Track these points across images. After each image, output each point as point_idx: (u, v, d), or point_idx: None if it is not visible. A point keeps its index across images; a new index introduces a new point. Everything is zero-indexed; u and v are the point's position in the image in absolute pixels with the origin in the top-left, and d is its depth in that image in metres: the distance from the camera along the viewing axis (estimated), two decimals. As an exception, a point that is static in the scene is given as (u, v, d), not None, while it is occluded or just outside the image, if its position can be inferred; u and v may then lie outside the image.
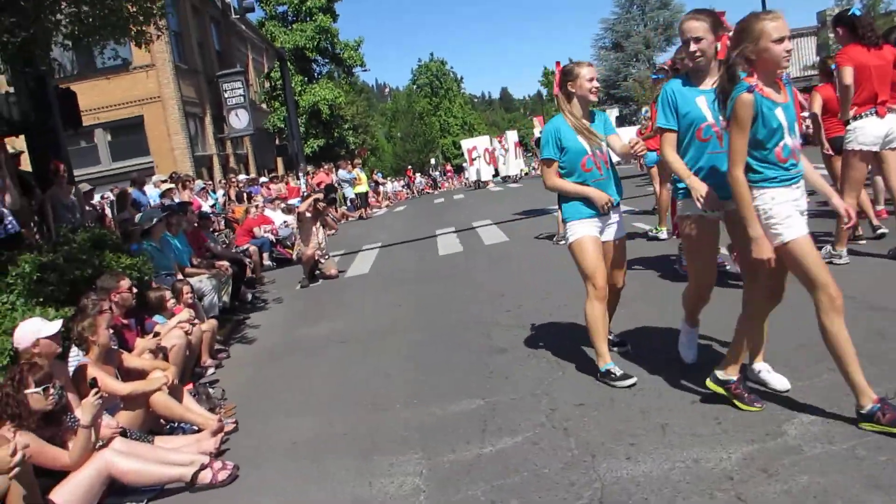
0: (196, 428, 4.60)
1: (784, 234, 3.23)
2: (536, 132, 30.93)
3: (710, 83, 3.68)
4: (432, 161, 59.23)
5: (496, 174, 31.56)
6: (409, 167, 49.82)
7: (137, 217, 8.75)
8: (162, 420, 4.76)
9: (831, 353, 3.23)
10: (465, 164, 34.95)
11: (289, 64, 30.01)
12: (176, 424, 4.77)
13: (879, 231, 6.51)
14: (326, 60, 39.35)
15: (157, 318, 6.13)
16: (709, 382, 3.68)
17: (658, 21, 64.92)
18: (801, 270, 3.22)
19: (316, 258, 10.29)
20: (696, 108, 3.72)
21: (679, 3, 64.64)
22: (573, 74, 4.22)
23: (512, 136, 32.13)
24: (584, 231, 4.27)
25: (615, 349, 4.63)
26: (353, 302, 8.45)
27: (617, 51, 65.44)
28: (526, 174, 31.78)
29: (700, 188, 3.62)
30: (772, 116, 3.21)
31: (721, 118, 3.52)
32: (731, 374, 3.62)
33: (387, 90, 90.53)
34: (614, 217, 4.37)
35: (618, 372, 4.19)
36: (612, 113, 43.81)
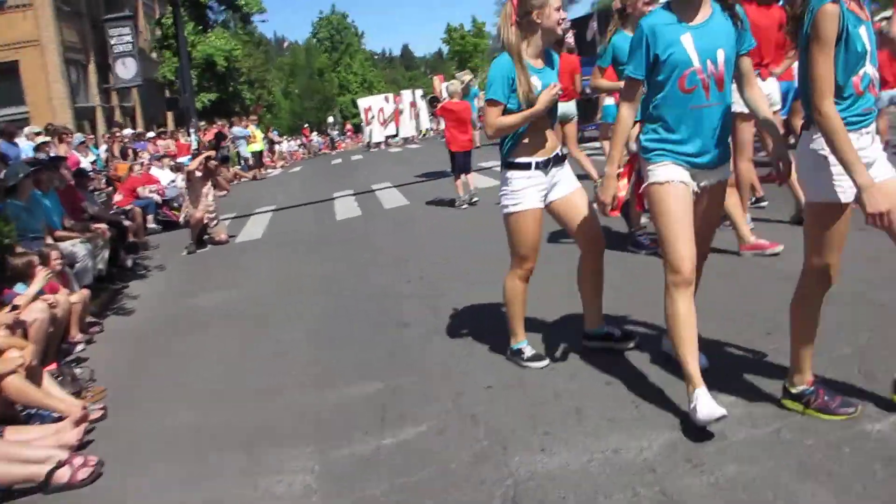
0: (57, 415, 4.05)
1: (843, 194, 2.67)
2: (441, 90, 30.42)
3: (702, 16, 3.03)
4: (330, 119, 57.82)
5: (395, 135, 30.95)
6: (307, 126, 48.38)
7: (2, 172, 7.85)
8: (17, 406, 4.17)
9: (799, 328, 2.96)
10: (362, 124, 34.05)
11: (182, 9, 28.28)
12: (34, 411, 4.20)
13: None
14: (223, 7, 37.36)
15: (18, 287, 5.43)
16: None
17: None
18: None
19: (205, 221, 9.63)
20: (680, 50, 2.99)
21: None
22: (539, 2, 3.42)
23: (407, 95, 31.27)
24: (529, 202, 3.65)
25: (620, 345, 3.91)
26: (245, 270, 7.91)
27: (520, 10, 65.50)
28: (423, 136, 31.19)
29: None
30: (857, 36, 2.58)
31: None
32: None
33: (286, 44, 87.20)
34: (558, 171, 3.74)
35: (529, 352, 3.90)
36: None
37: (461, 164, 10.00)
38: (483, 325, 4.60)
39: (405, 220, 9.43)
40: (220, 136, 12.02)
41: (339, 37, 70.65)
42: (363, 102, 31.83)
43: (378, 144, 29.27)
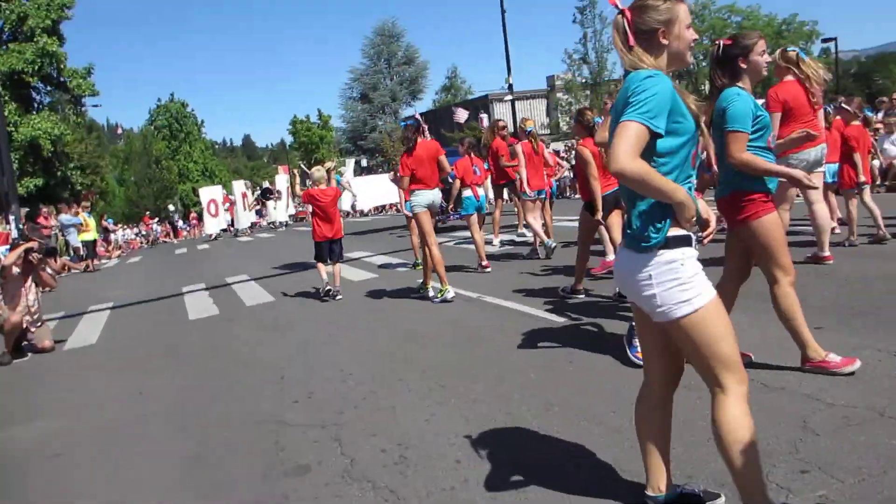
0: None
1: None
2: (279, 182, 29.58)
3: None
4: (171, 207, 54.94)
5: (231, 225, 29.71)
6: (147, 213, 45.52)
7: None
8: None
9: None
10: (204, 213, 32.35)
11: (1, 88, 25.76)
12: None
13: None
14: (50, 88, 34.68)
15: None
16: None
17: (404, 76, 66.90)
18: None
19: (24, 326, 7.95)
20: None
21: (423, 61, 67.50)
22: (665, 16, 2.54)
23: (238, 186, 30.11)
24: (710, 287, 2.51)
25: None
26: (76, 388, 6.36)
27: (364, 102, 66.20)
28: (252, 227, 30.03)
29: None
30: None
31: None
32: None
33: (119, 130, 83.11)
34: None
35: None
36: (362, 162, 43.69)
37: (327, 252, 9.22)
38: (409, 463, 3.56)
39: (275, 320, 8.19)
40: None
41: (178, 125, 68.44)
42: (204, 193, 30.38)
43: (210, 236, 28.07)
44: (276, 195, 28.35)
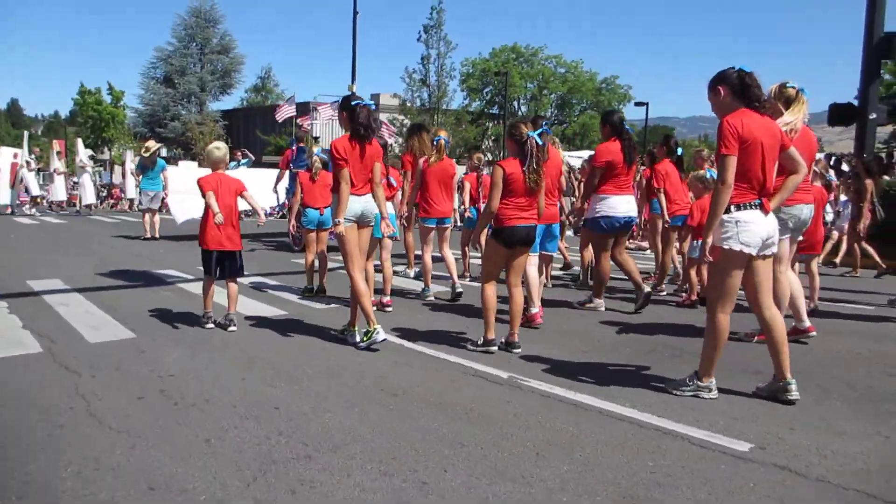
0: None
1: None
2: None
3: None
4: None
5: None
6: None
7: None
8: None
9: None
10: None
11: None
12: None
13: None
14: None
15: None
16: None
17: (216, 65, 61.39)
18: None
19: None
20: None
21: (240, 54, 62.49)
22: None
23: (7, 153, 23.33)
24: None
25: None
26: None
27: (168, 86, 59.77)
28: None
29: None
30: None
31: None
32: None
33: None
34: None
35: None
36: (161, 152, 38.40)
37: (216, 266, 6.51)
38: None
39: (160, 386, 4.80)
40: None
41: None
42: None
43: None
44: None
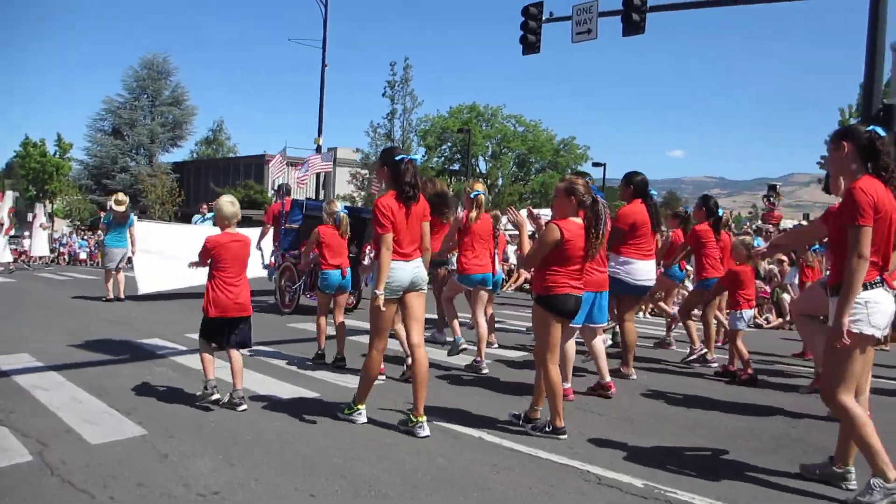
0: None
1: None
2: None
3: None
4: None
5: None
6: None
7: None
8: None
9: None
10: None
11: None
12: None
13: None
14: None
15: None
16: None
17: (168, 118, 60.01)
18: None
19: None
20: None
21: (192, 105, 61.24)
22: None
23: None
24: None
25: None
26: None
27: (117, 137, 58.07)
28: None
29: None
30: None
31: None
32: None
33: None
34: None
35: None
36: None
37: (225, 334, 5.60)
38: None
39: (195, 490, 3.64)
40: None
41: None
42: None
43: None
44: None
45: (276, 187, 13.00)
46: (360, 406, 5.24)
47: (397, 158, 5.14)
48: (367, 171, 38.40)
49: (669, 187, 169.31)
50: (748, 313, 7.54)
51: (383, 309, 4.95)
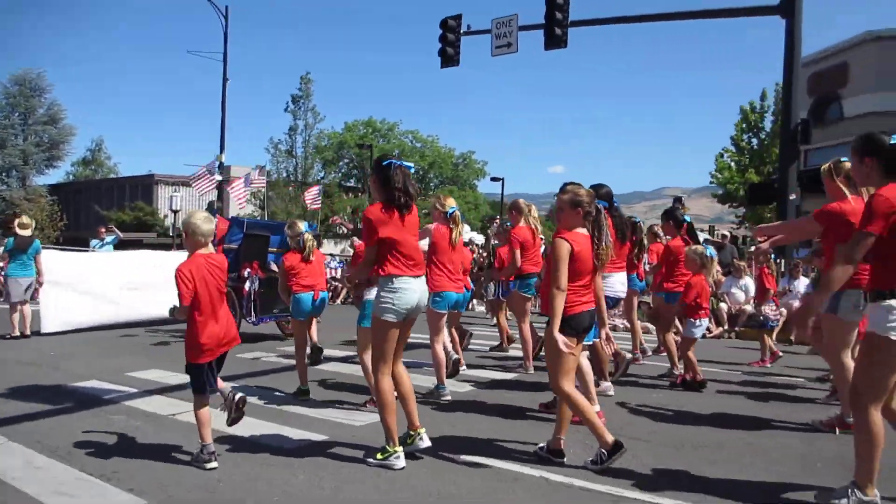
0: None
1: None
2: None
3: None
4: None
5: None
6: None
7: None
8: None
9: None
10: None
11: None
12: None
13: None
14: None
15: None
16: None
17: (42, 137, 56.07)
18: None
19: None
20: None
21: (69, 125, 57.43)
22: None
23: None
24: None
25: None
26: None
27: (-14, 160, 53.67)
28: None
29: None
30: None
31: None
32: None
33: None
34: None
35: None
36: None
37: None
38: None
39: None
40: None
41: None
42: None
43: None
44: None
45: (207, 205, 11.85)
46: (395, 448, 4.55)
47: (385, 163, 4.66)
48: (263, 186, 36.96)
49: (551, 201, 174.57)
50: (704, 322, 7.57)
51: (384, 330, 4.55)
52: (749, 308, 12.11)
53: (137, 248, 21.74)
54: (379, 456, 4.56)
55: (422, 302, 4.69)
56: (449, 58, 19.48)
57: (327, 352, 9.44)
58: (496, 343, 10.35)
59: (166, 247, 24.91)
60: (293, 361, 6.99)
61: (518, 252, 8.10)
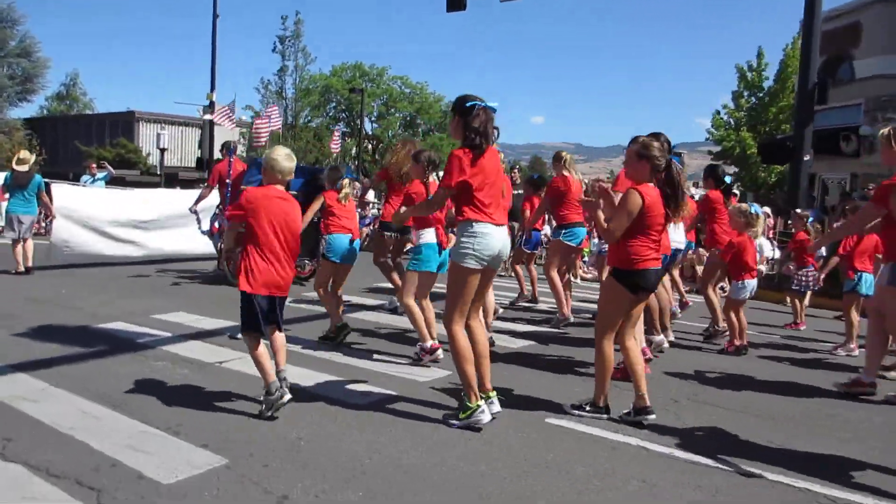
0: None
1: None
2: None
3: None
4: None
5: None
6: None
7: None
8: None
9: None
10: None
11: None
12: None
13: None
14: None
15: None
16: None
17: (16, 69, 54.25)
18: None
19: None
20: None
21: (44, 58, 55.53)
22: None
23: None
24: None
25: None
26: None
27: (-46, 91, 51.82)
28: None
29: None
30: None
31: None
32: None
33: None
34: None
35: None
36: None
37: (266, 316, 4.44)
38: None
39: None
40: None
41: None
42: None
43: None
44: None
45: (222, 145, 11.30)
46: (477, 402, 4.30)
47: (468, 105, 4.35)
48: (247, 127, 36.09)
49: (532, 152, 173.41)
50: (751, 283, 7.23)
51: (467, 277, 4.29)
52: (763, 268, 11.91)
53: (121, 185, 21.15)
54: (462, 416, 4.28)
55: (504, 251, 4.41)
56: (456, 1, 18.85)
57: (356, 300, 9.15)
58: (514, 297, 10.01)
59: (154, 185, 24.25)
60: (318, 308, 6.73)
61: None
